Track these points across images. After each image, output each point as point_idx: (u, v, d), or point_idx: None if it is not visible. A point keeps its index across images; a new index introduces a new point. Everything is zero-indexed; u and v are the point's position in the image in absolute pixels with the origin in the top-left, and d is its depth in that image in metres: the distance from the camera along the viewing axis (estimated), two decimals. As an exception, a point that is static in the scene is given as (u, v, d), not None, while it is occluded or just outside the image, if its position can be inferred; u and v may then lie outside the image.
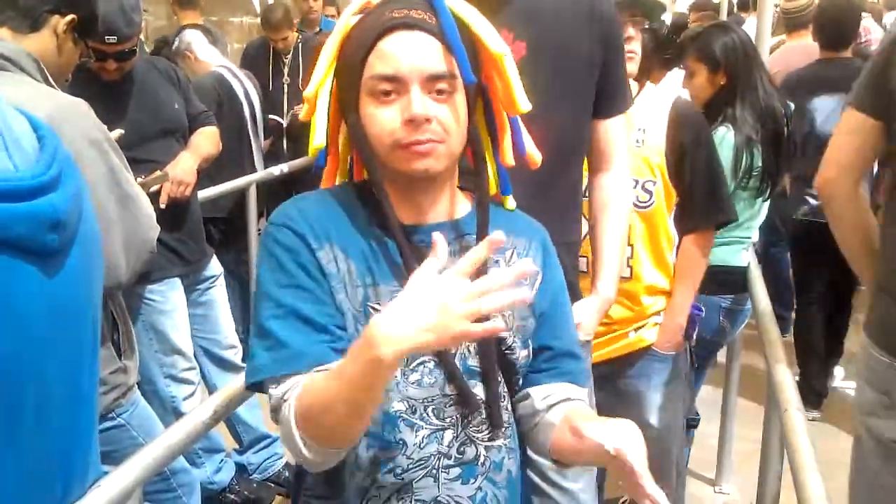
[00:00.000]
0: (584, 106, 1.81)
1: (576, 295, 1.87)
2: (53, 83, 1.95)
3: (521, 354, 1.34)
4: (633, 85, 2.36)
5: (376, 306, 1.24)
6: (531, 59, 1.68)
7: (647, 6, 2.35)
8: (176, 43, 4.39)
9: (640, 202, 2.32)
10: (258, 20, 5.72)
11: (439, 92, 1.22)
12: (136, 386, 2.20)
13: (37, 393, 1.00)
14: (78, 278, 1.06)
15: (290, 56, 5.38)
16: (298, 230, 1.26)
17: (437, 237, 1.07)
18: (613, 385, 2.43)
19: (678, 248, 2.42)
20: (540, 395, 1.36)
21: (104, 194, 1.88)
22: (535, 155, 1.40)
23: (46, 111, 1.76)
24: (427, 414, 1.26)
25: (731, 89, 2.84)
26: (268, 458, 3.43)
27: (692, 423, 3.08)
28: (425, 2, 1.26)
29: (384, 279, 1.26)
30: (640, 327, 2.41)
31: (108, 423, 2.05)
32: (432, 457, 1.27)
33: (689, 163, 2.34)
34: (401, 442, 1.25)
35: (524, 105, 1.31)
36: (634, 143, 2.31)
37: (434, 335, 1.02)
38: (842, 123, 1.98)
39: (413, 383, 1.26)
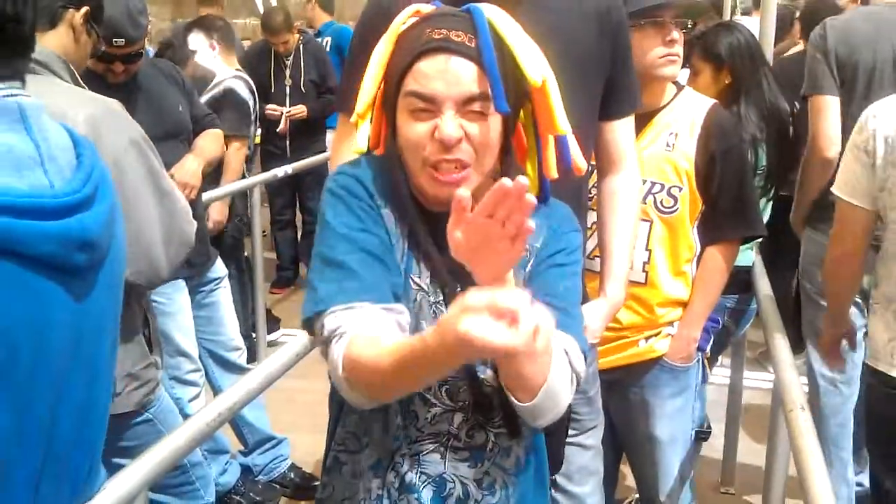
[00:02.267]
0: (591, 106, 1.80)
1: (583, 299, 1.87)
2: (82, 83, 1.96)
3: None
4: (673, 88, 2.36)
5: (416, 279, 1.30)
6: None
7: (694, 9, 2.32)
8: (191, 44, 4.40)
9: (664, 207, 2.28)
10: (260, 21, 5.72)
11: (473, 112, 1.24)
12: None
13: (52, 401, 1.00)
14: (103, 297, 1.06)
15: (291, 58, 5.39)
16: (364, 183, 1.32)
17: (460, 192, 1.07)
18: (622, 392, 2.40)
19: (699, 259, 2.36)
20: None
21: (146, 192, 1.90)
22: (580, 164, 1.40)
23: (88, 115, 1.78)
24: (441, 393, 1.31)
25: (735, 88, 2.84)
26: (273, 460, 3.43)
27: (702, 436, 3.04)
28: (469, 21, 1.28)
29: (421, 262, 1.31)
30: (650, 336, 2.36)
31: (138, 419, 2.07)
32: (442, 435, 1.32)
33: (720, 172, 2.28)
34: (413, 413, 1.32)
35: (564, 126, 1.34)
36: (665, 147, 2.28)
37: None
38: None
39: None
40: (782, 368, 2.04)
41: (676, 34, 2.22)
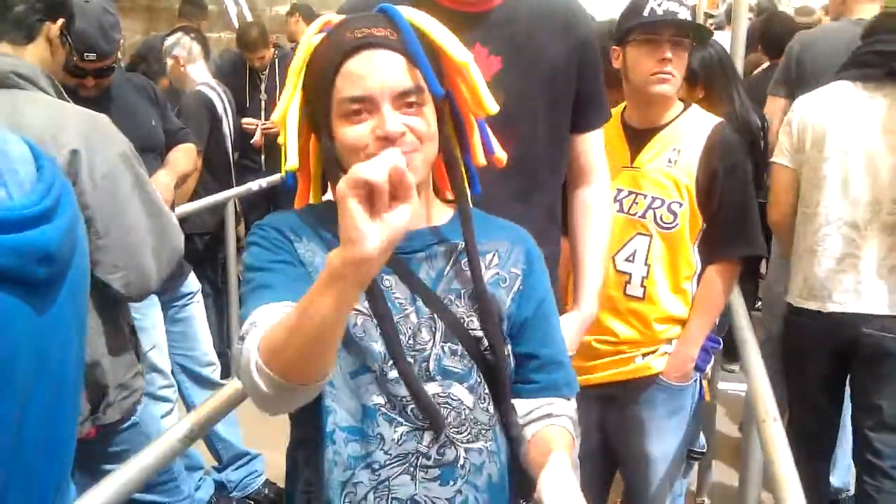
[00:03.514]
0: (561, 120, 1.82)
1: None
2: (66, 97, 1.96)
3: None
4: (679, 105, 2.35)
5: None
6: (506, 74, 1.68)
7: (692, 28, 2.29)
8: (170, 41, 4.41)
9: (664, 222, 2.27)
10: (235, 35, 5.73)
11: (409, 105, 1.24)
12: None
13: (16, 416, 0.98)
14: (67, 310, 1.04)
15: (266, 73, 5.38)
16: (278, 227, 1.32)
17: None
18: (618, 408, 2.40)
19: (699, 276, 2.35)
20: (523, 409, 1.36)
21: (136, 204, 1.92)
22: (500, 154, 1.42)
23: (80, 130, 1.78)
24: (407, 412, 1.27)
25: (708, 102, 2.86)
26: (247, 476, 3.40)
27: (695, 455, 3.03)
28: (385, 18, 1.28)
29: None
30: (647, 353, 2.34)
31: (126, 424, 2.09)
32: (410, 455, 1.27)
33: (721, 190, 2.27)
34: (378, 436, 1.26)
35: (492, 106, 1.34)
36: (666, 163, 2.28)
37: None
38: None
39: (392, 380, 1.26)
40: (754, 379, 2.06)
41: (670, 53, 2.20)
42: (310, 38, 1.31)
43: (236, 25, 7.59)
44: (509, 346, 1.35)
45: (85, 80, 2.70)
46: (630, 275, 2.29)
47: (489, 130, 1.40)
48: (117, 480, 1.49)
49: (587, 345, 2.31)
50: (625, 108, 2.41)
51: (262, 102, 5.39)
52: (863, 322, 2.58)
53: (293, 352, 1.09)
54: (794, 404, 2.86)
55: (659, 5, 2.21)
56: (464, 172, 1.40)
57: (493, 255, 1.37)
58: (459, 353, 1.30)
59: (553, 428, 1.34)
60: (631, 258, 2.29)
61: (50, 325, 1.00)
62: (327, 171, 1.32)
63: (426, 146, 1.26)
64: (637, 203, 2.29)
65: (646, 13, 2.21)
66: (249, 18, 8.31)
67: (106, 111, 2.75)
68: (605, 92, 1.92)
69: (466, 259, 1.32)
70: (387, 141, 1.21)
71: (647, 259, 2.28)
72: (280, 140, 1.34)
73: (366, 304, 1.27)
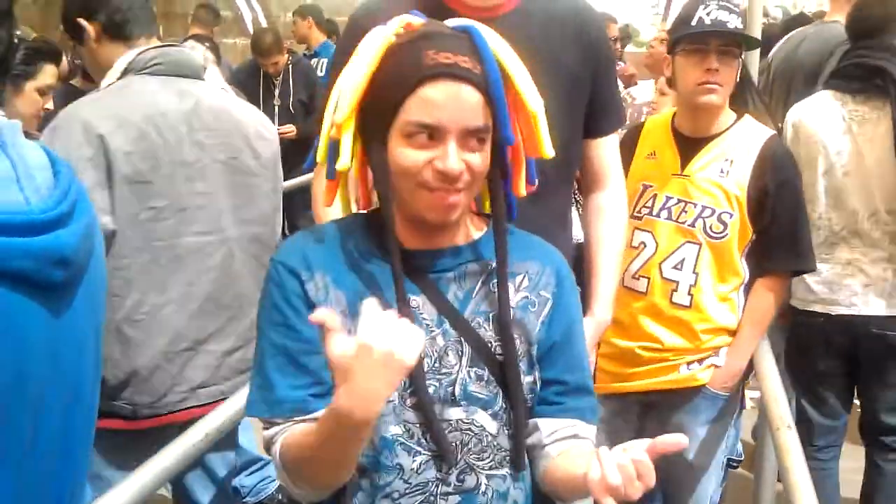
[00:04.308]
0: (574, 125, 1.81)
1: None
2: None
3: (527, 380, 1.30)
4: (732, 115, 2.34)
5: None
6: None
7: (740, 37, 2.28)
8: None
9: (713, 232, 2.26)
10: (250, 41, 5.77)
11: (474, 142, 1.20)
12: None
13: (31, 419, 0.99)
14: (82, 313, 1.05)
15: (280, 78, 5.41)
16: (290, 264, 1.26)
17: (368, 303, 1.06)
18: (658, 414, 2.39)
19: (747, 287, 2.34)
20: (548, 429, 1.32)
21: None
22: (530, 185, 1.38)
23: None
24: (425, 439, 1.24)
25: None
26: (261, 481, 3.41)
27: (733, 464, 3.03)
28: (471, 45, 1.22)
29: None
30: (692, 362, 2.33)
31: None
32: (430, 483, 1.24)
33: (772, 204, 2.26)
34: (397, 466, 1.24)
35: (549, 152, 1.30)
36: (718, 173, 2.28)
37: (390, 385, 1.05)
38: None
39: (411, 407, 1.24)
40: (769, 387, 2.05)
41: (717, 63, 2.20)
42: (386, 36, 1.22)
43: (251, 31, 7.63)
44: (537, 373, 1.32)
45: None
46: (677, 283, 2.29)
47: (533, 161, 1.37)
48: (136, 482, 1.50)
49: (630, 351, 2.34)
50: (674, 116, 2.41)
51: (276, 108, 5.42)
52: (867, 323, 2.69)
53: (315, 469, 1.18)
54: (803, 399, 2.95)
55: (707, 14, 2.20)
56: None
57: (524, 276, 1.33)
58: (486, 379, 1.27)
59: (583, 443, 1.31)
60: (679, 266, 2.29)
61: (65, 329, 1.01)
62: (377, 182, 1.25)
63: (476, 184, 1.24)
64: (686, 211, 2.28)
65: (694, 23, 2.21)
66: (264, 24, 8.35)
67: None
68: (619, 96, 1.92)
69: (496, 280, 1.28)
70: (443, 176, 1.18)
71: (695, 267, 2.27)
72: (326, 133, 1.27)
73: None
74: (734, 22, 2.22)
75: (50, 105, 2.67)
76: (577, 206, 2.25)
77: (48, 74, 2.63)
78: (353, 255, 1.28)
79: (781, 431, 1.79)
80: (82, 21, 2.05)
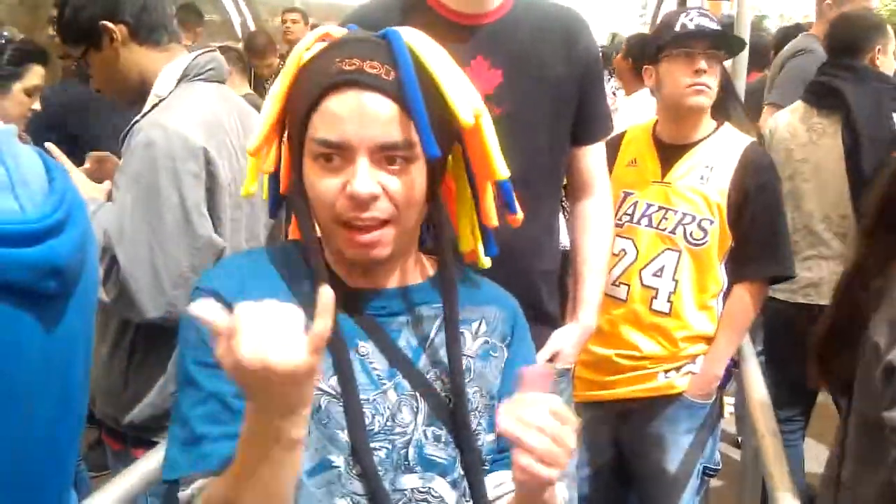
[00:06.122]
0: (562, 133, 1.82)
1: (556, 324, 1.88)
2: None
3: (487, 439, 1.18)
4: (712, 123, 2.35)
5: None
6: (507, 87, 1.69)
7: (725, 39, 2.31)
8: None
9: (693, 238, 2.27)
10: (240, 45, 5.73)
11: (391, 161, 1.05)
12: None
13: (20, 428, 0.99)
14: (75, 324, 1.05)
15: (272, 80, 5.39)
16: (213, 288, 1.09)
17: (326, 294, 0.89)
18: (635, 423, 2.39)
19: (725, 294, 2.34)
20: (493, 482, 1.18)
21: None
22: (519, 215, 1.26)
23: None
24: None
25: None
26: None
27: (709, 472, 3.03)
28: (385, 48, 1.08)
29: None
30: (670, 370, 2.32)
31: None
32: None
33: (751, 209, 2.27)
34: None
35: (502, 172, 1.16)
36: (698, 180, 2.28)
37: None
38: None
39: (357, 476, 1.09)
40: (753, 396, 2.06)
41: (705, 64, 2.22)
42: (300, 53, 1.11)
43: (240, 35, 7.61)
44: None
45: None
46: (657, 290, 2.29)
47: (511, 187, 1.21)
48: (118, 488, 1.50)
49: (608, 359, 2.34)
50: (656, 124, 2.42)
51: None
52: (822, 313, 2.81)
53: None
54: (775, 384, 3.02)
55: (690, 20, 2.24)
56: (476, 226, 1.24)
57: (480, 322, 1.21)
58: (443, 440, 1.13)
59: None
60: (659, 273, 2.29)
61: (57, 340, 1.01)
62: (298, 223, 1.14)
63: (405, 214, 1.07)
64: (667, 218, 2.29)
65: (677, 28, 2.24)
66: (253, 29, 8.33)
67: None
68: (607, 104, 1.93)
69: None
70: (354, 204, 1.03)
71: (674, 274, 2.28)
72: (263, 170, 1.18)
73: (332, 380, 1.08)
74: (714, 28, 2.26)
75: (37, 106, 2.66)
76: (563, 212, 2.26)
77: (36, 75, 2.62)
78: (287, 286, 1.12)
79: (767, 440, 1.80)
80: (108, 23, 1.88)
